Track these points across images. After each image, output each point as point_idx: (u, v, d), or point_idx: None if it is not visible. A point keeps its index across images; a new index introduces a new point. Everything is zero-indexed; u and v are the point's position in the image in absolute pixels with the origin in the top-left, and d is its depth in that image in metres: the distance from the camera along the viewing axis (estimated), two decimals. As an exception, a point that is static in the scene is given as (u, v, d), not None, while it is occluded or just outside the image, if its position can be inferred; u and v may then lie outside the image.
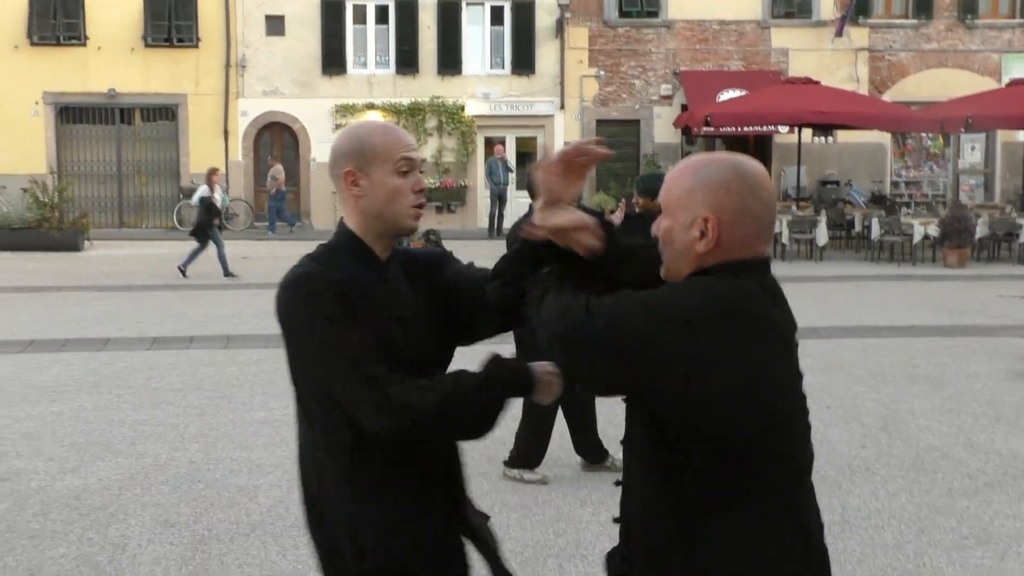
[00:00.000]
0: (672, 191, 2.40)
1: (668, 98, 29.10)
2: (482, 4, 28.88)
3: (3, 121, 27.80)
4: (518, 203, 25.94)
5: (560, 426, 6.95)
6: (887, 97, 28.49)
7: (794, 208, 23.76)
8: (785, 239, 21.91)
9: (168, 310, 14.46)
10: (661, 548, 2.34)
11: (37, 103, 28.17)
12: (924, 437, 7.97)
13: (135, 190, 29.20)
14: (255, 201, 28.82)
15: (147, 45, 28.20)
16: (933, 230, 21.31)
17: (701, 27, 29.11)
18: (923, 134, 29.18)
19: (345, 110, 28.22)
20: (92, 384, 9.68)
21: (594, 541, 5.73)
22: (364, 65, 28.87)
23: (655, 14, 29.01)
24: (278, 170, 27.76)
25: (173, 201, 28.74)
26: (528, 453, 6.85)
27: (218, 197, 18.93)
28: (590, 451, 7.05)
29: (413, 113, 28.50)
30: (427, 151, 28.60)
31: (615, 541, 2.53)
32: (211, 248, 18.12)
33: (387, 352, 2.57)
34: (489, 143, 28.75)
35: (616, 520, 2.54)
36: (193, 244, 18.30)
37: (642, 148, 29.14)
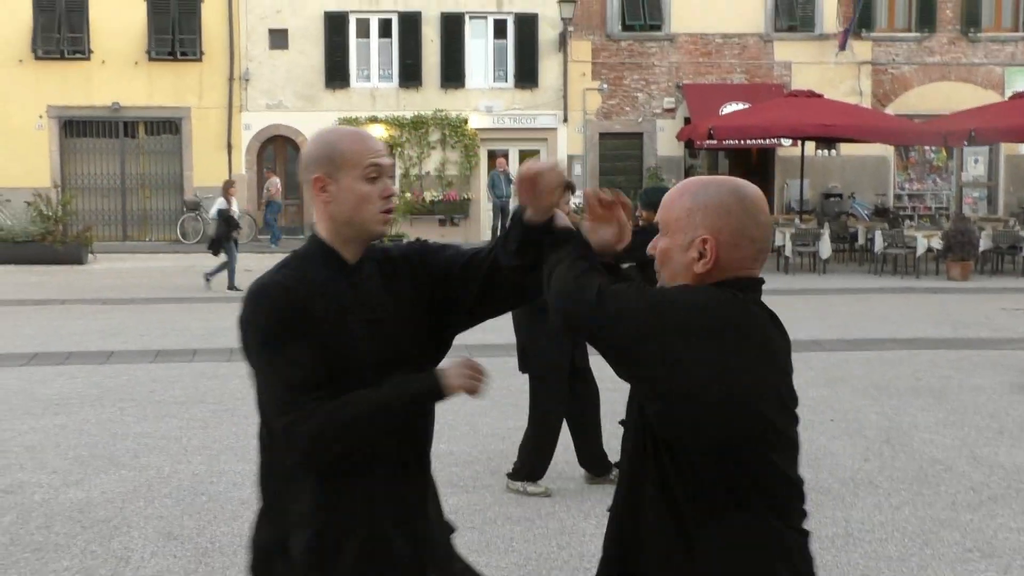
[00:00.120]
0: (671, 211, 2.46)
1: (671, 111, 29.14)
2: (485, 18, 28.95)
3: (7, 134, 27.87)
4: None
5: (564, 439, 6.95)
6: (890, 110, 28.52)
7: (797, 221, 23.77)
8: (788, 252, 21.91)
9: (171, 323, 14.48)
10: (661, 551, 2.37)
11: (41, 117, 28.25)
12: (928, 450, 7.96)
13: (139, 203, 29.24)
14: (259, 214, 28.89)
15: (151, 59, 28.27)
16: (936, 243, 21.30)
17: (704, 40, 29.16)
18: (926, 147, 29.20)
19: (348, 123, 28.22)
20: (95, 397, 9.68)
21: (597, 554, 5.66)
22: (367, 78, 28.93)
23: (658, 27, 29.06)
24: (272, 182, 27.93)
25: (177, 214, 28.80)
26: (532, 466, 6.85)
27: (236, 210, 18.99)
28: (594, 463, 7.04)
29: (416, 126, 28.55)
30: (430, 164, 28.67)
31: None
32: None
33: (353, 358, 2.61)
34: (492, 156, 28.78)
35: (609, 510, 2.61)
36: (213, 257, 18.43)
37: (645, 161, 29.17)
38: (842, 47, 28.76)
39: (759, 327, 2.36)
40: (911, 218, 28.00)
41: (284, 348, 2.56)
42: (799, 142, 25.37)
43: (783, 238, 22.04)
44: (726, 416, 2.27)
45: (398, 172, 28.70)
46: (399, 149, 28.48)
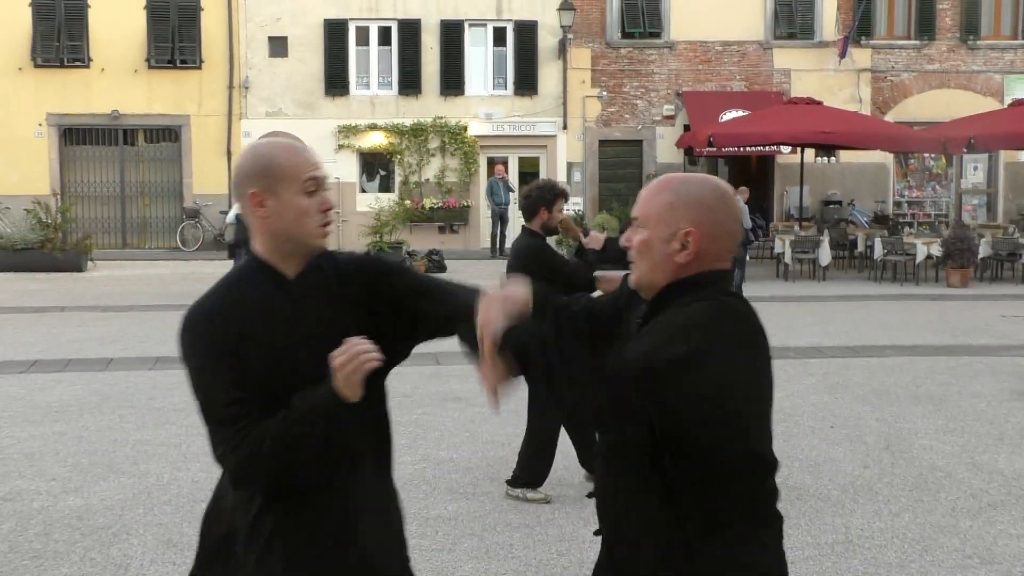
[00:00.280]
0: (651, 205, 2.58)
1: (671, 118, 29.15)
2: (485, 25, 28.97)
3: (7, 142, 27.86)
4: (520, 223, 25.87)
5: (563, 446, 6.95)
6: (889, 117, 28.53)
7: (797, 228, 23.78)
8: (788, 259, 21.90)
9: (171, 330, 14.33)
10: (665, 562, 2.40)
11: (41, 124, 28.24)
12: (927, 457, 7.96)
13: (138, 211, 29.23)
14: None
15: (150, 67, 28.26)
16: (936, 250, 21.29)
17: (704, 48, 29.18)
18: (925, 154, 29.18)
19: (348, 131, 28.29)
20: (95, 404, 9.68)
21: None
22: (367, 86, 28.94)
23: (657, 35, 29.08)
24: None
25: (176, 222, 28.79)
26: (531, 472, 6.84)
27: None
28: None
29: (416, 133, 28.55)
30: (430, 171, 28.66)
31: None
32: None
33: (293, 373, 2.61)
34: (492, 163, 28.78)
35: (597, 533, 2.65)
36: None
37: (644, 168, 29.17)
38: (842, 55, 28.78)
39: (756, 342, 2.49)
40: (910, 225, 27.96)
41: (211, 381, 2.61)
42: (798, 149, 25.38)
43: (782, 245, 22.05)
44: (732, 426, 2.40)
45: (398, 179, 28.74)
46: (399, 156, 28.51)
